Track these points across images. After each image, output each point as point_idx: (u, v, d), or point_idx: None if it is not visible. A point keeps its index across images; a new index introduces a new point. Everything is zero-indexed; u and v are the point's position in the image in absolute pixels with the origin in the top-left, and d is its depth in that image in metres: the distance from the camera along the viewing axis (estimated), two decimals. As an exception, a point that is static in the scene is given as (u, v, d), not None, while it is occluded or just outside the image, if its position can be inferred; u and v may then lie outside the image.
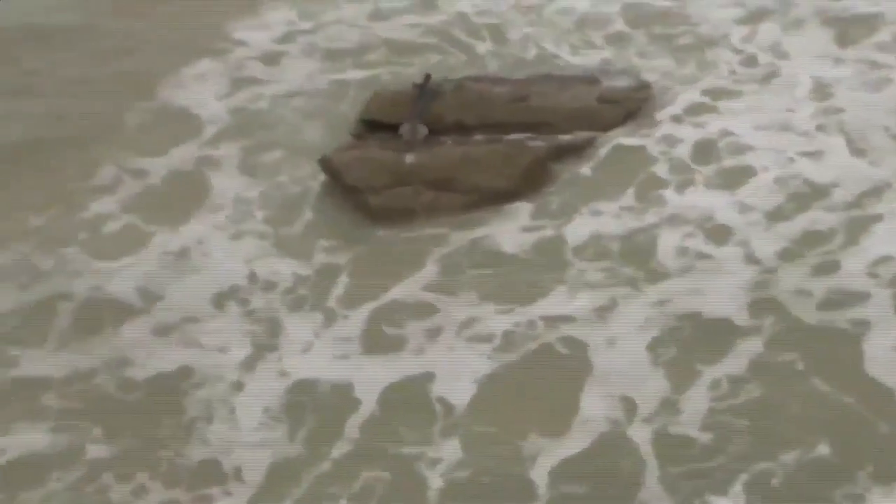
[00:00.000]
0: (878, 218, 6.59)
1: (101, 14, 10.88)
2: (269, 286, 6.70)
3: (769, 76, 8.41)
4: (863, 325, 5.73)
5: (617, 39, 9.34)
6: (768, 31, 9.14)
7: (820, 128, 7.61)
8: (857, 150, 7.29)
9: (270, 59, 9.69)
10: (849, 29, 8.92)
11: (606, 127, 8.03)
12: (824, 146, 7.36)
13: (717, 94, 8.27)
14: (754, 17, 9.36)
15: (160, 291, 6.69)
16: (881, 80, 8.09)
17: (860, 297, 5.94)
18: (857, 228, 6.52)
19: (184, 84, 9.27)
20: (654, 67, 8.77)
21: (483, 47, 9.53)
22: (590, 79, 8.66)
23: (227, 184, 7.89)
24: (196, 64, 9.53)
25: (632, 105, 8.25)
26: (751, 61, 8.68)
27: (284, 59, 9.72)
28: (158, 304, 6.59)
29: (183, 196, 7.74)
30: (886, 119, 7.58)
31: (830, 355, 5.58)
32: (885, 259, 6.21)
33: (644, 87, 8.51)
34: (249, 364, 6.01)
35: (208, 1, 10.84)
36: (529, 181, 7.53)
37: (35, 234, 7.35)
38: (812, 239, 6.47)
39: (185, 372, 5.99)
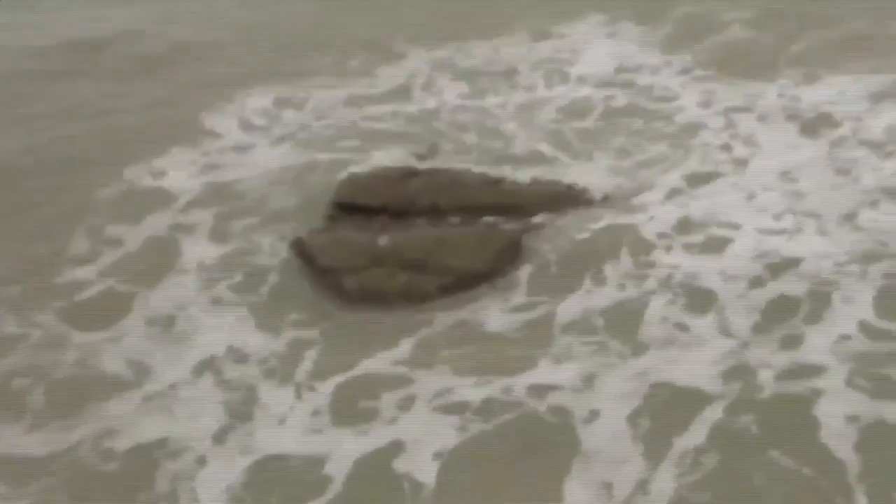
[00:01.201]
0: (837, 295, 7.16)
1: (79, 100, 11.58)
2: (244, 358, 7.06)
3: (743, 162, 9.19)
4: (819, 396, 6.21)
5: (593, 131, 10.09)
6: (742, 122, 9.98)
7: (788, 209, 8.32)
8: (821, 231, 7.95)
9: (243, 146, 10.30)
10: (812, 123, 9.79)
11: (580, 207, 8.61)
12: (792, 226, 8.04)
13: (692, 178, 8.98)
14: (733, 110, 10.24)
15: (143, 362, 7.09)
16: (852, 173, 8.87)
17: (819, 370, 6.44)
18: (820, 305, 7.07)
19: (155, 170, 9.80)
20: (633, 153, 9.50)
21: (457, 139, 10.18)
22: (559, 162, 9.38)
23: (201, 251, 8.36)
24: (169, 152, 10.10)
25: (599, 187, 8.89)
26: (725, 148, 9.47)
27: (257, 145, 10.33)
28: (143, 374, 6.96)
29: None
30: (846, 202, 8.28)
31: (789, 425, 6.02)
32: (843, 336, 6.74)
33: (616, 173, 9.19)
34: (220, 437, 6.32)
35: (183, 90, 11.57)
36: (504, 262, 7.99)
37: (7, 303, 7.76)
38: (779, 313, 7.02)
39: (161, 442, 6.31)
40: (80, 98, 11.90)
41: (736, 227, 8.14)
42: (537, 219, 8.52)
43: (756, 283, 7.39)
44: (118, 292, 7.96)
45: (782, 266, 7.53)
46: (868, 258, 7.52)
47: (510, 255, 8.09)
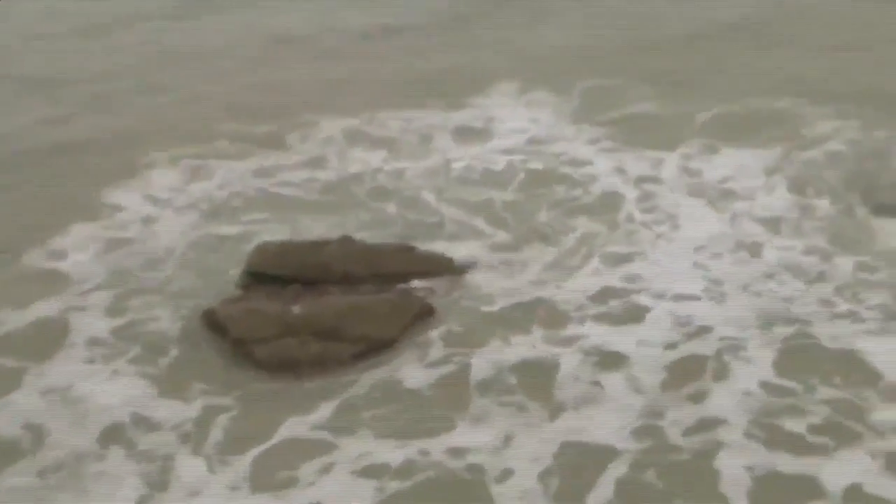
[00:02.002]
0: (742, 356, 7.74)
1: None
2: (153, 426, 7.22)
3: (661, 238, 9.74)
4: (720, 448, 6.74)
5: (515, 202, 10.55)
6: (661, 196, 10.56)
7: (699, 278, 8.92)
8: (727, 299, 8.59)
9: (147, 219, 10.47)
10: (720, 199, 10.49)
11: (493, 273, 9.05)
12: (703, 295, 8.65)
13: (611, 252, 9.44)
14: (642, 180, 10.84)
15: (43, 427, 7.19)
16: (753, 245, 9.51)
17: (721, 423, 6.98)
18: (725, 365, 7.64)
19: (54, 248, 9.87)
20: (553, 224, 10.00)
21: (377, 209, 10.55)
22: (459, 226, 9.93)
23: (100, 326, 8.47)
24: (68, 228, 10.17)
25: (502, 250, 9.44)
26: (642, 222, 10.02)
27: (161, 218, 10.49)
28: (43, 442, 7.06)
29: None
30: (752, 279, 8.91)
31: (693, 476, 6.50)
32: (745, 392, 7.31)
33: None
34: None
35: (84, 167, 11.68)
36: (417, 328, 8.31)
37: None
38: (687, 373, 7.59)
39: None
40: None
41: (651, 295, 8.65)
42: (449, 284, 8.92)
43: (668, 346, 7.92)
44: (4, 367, 8.02)
45: (693, 332, 8.08)
46: (768, 323, 8.15)
47: (423, 320, 8.43)
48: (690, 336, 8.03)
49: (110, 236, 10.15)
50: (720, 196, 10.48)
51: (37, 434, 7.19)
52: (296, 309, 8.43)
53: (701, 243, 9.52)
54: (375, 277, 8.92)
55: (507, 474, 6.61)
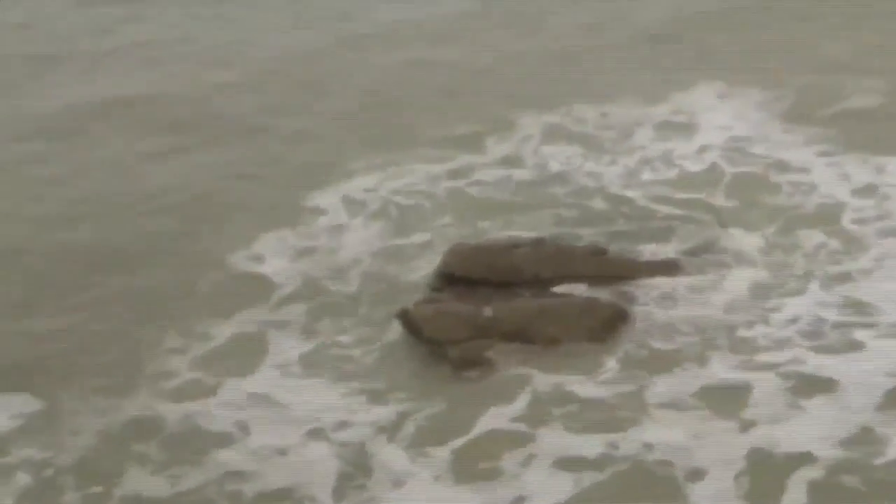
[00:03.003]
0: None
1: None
2: (355, 426, 7.81)
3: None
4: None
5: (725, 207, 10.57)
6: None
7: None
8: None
9: (345, 223, 11.11)
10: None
11: (682, 276, 9.18)
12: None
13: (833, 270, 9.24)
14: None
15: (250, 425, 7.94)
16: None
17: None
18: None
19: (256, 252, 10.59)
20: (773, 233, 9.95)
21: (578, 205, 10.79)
22: (664, 230, 9.95)
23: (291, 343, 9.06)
24: (271, 233, 10.89)
25: (708, 256, 9.44)
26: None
27: (356, 222, 11.11)
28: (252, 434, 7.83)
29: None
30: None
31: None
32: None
33: (717, 238, 9.74)
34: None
35: (287, 176, 12.41)
36: (606, 333, 8.57)
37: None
38: None
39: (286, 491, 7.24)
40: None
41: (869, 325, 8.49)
42: (643, 290, 9.08)
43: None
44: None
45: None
46: None
47: (613, 325, 8.65)
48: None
49: (305, 243, 10.81)
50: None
51: (244, 427, 7.93)
52: (487, 311, 8.83)
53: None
54: (566, 280, 9.19)
55: (698, 473, 6.94)
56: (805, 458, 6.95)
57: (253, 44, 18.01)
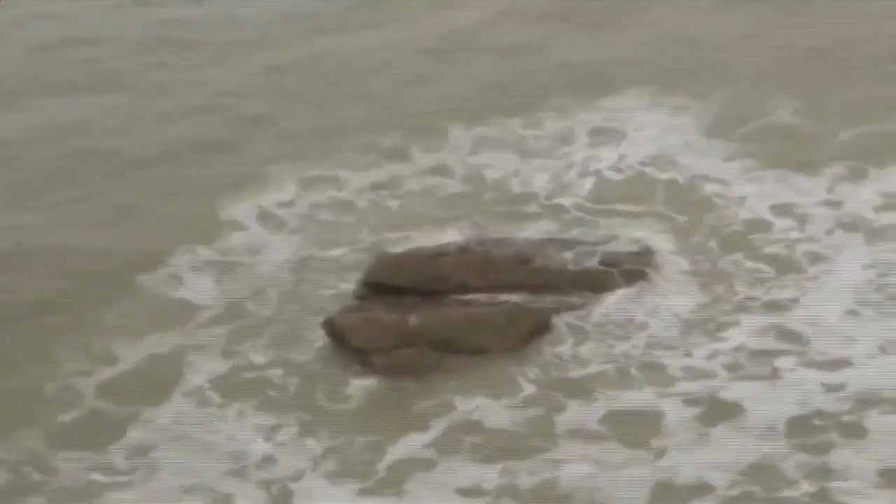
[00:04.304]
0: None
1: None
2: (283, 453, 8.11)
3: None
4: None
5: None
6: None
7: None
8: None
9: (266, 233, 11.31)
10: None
11: (609, 288, 9.50)
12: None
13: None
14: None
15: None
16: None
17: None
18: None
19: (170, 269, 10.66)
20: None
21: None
22: (592, 241, 10.28)
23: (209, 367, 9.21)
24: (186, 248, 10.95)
25: (633, 269, 9.74)
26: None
27: (281, 231, 11.33)
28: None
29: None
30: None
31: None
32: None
33: (647, 252, 10.07)
34: None
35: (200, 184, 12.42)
36: (531, 341, 8.91)
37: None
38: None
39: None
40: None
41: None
42: (569, 299, 9.43)
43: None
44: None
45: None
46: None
47: (537, 335, 9.00)
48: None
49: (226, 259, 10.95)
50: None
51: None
52: (413, 319, 9.13)
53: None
54: (492, 289, 9.51)
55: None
56: (705, 489, 7.31)
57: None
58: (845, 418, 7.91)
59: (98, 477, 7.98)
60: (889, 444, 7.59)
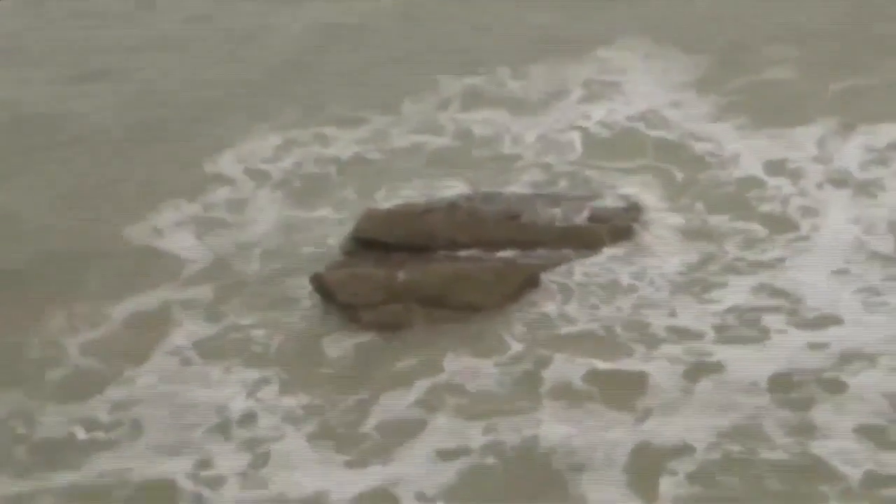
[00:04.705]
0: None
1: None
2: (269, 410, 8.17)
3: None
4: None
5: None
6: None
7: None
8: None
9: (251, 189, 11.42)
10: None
11: (596, 245, 9.60)
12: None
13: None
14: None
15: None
16: None
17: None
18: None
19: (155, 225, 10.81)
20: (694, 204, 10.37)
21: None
22: (581, 197, 10.39)
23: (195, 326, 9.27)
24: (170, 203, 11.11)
25: (622, 226, 9.84)
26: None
27: (265, 185, 11.44)
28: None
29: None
30: None
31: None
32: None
33: (634, 208, 10.19)
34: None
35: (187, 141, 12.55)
36: (519, 297, 9.01)
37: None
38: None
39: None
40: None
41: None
42: (558, 255, 9.53)
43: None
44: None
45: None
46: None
47: (528, 289, 9.10)
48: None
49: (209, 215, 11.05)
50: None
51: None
52: (401, 275, 9.21)
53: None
54: (480, 245, 9.62)
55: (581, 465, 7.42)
56: (684, 451, 7.39)
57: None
58: (826, 375, 7.98)
59: (80, 432, 8.08)
60: (867, 401, 7.70)
